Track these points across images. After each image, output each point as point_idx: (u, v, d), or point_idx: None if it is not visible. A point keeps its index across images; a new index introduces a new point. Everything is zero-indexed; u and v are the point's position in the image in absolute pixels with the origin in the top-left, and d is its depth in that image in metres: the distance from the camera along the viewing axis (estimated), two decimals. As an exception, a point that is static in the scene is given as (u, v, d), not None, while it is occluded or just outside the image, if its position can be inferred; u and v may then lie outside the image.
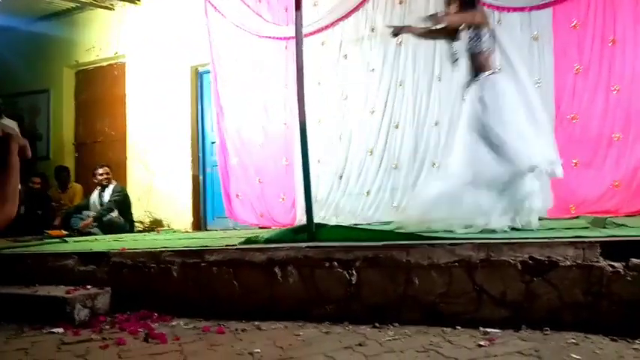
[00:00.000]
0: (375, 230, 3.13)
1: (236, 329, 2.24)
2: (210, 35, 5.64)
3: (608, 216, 3.65)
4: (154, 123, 6.35)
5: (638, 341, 1.81)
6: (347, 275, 2.40)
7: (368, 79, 5.00)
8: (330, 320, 2.28)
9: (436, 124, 4.70)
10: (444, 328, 2.07)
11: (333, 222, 4.72)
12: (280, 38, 5.28)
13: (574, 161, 4.12)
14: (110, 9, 6.84)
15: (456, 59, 3.16)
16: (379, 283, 2.35)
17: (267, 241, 2.74)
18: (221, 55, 5.63)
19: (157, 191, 6.33)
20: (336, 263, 2.42)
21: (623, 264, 2.00)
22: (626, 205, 3.93)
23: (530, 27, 4.37)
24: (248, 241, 2.84)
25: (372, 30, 5.00)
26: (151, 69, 6.44)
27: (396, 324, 2.17)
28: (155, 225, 6.30)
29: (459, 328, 2.07)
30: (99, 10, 6.86)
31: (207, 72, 5.98)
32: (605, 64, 4.11)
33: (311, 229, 2.76)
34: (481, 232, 2.78)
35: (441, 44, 4.64)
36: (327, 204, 4.96)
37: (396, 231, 2.89)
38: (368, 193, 4.88)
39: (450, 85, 4.62)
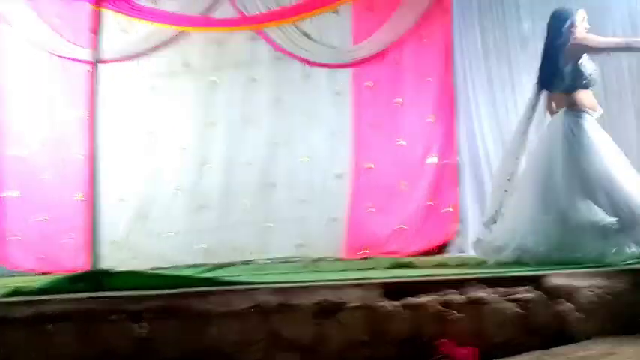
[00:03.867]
0: (173, 276, 2.92)
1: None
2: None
3: (394, 257, 4.07)
4: None
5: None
6: (137, 328, 2.17)
7: (179, 114, 4.83)
8: (116, 381, 2.01)
9: (248, 165, 4.74)
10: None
11: (132, 265, 4.31)
12: (82, 61, 4.79)
13: (367, 206, 4.53)
14: None
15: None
16: (174, 335, 2.17)
17: (41, 291, 2.33)
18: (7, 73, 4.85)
19: None
20: (124, 315, 2.16)
21: (400, 303, 2.19)
22: (409, 246, 4.42)
23: (334, 83, 4.77)
24: (16, 292, 2.38)
25: (186, 65, 4.90)
26: None
27: (191, 378, 2.02)
28: None
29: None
30: None
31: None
32: (394, 121, 4.68)
33: (97, 276, 2.45)
34: None
35: (256, 87, 4.79)
36: (126, 245, 4.53)
37: (197, 276, 2.74)
38: (174, 233, 4.63)
39: (261, 127, 4.75)
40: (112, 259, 4.28)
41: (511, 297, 2.25)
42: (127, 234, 4.60)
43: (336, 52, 4.78)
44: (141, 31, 4.85)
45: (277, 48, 4.79)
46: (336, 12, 4.81)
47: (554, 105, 3.13)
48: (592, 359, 1.92)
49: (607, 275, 2.38)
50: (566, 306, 2.24)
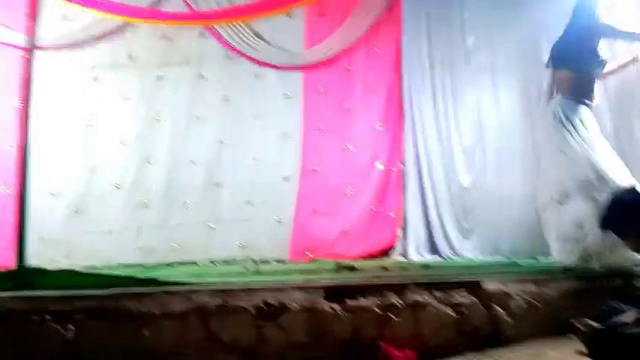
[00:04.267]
0: (107, 275, 2.81)
1: None
2: None
3: (338, 260, 4.09)
4: None
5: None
6: (63, 331, 2.05)
7: (121, 108, 4.64)
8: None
9: (193, 163, 4.62)
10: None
11: (64, 264, 4.09)
12: (17, 47, 4.50)
13: (314, 209, 4.53)
14: None
15: None
16: (104, 338, 2.07)
17: (-43, 290, 2.16)
18: None
19: None
20: (49, 317, 2.04)
21: (341, 306, 2.21)
22: (353, 250, 4.46)
23: (285, 85, 4.74)
24: None
25: (130, 58, 4.71)
26: None
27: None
28: None
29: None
30: None
31: None
32: (343, 126, 4.72)
33: (24, 275, 2.30)
34: None
35: (204, 85, 4.68)
36: (58, 243, 4.29)
37: (132, 276, 2.63)
38: (110, 231, 4.43)
39: (208, 126, 4.65)
40: (42, 257, 4.05)
41: (448, 301, 2.32)
42: (59, 231, 4.35)
43: (288, 55, 4.77)
44: (84, 19, 4.62)
45: (228, 46, 4.71)
46: (289, 15, 4.79)
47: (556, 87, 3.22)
48: (521, 361, 2.00)
49: (537, 282, 2.50)
50: (499, 311, 2.33)
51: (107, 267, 4.05)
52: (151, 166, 4.60)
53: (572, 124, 3.05)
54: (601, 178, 2.92)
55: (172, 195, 4.55)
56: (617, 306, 1.85)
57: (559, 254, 3.05)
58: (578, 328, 1.78)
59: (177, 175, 4.58)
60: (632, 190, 1.74)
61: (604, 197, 2.74)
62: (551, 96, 3.27)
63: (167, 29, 4.73)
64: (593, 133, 3.08)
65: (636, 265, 2.70)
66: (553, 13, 4.17)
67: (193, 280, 2.54)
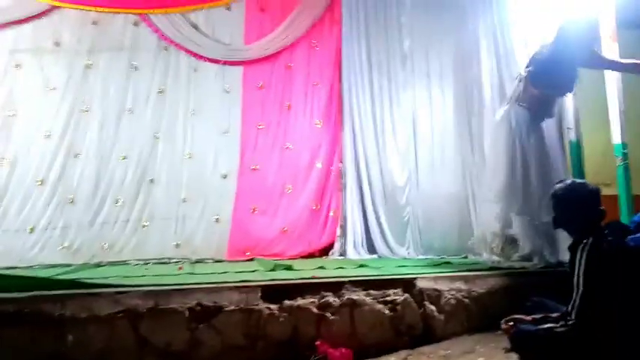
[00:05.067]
0: (26, 277, 2.61)
1: None
2: None
3: (277, 259, 4.06)
4: None
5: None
6: (-26, 337, 1.88)
7: (46, 98, 4.34)
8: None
9: (124, 158, 4.40)
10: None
11: (-22, 265, 3.78)
12: None
13: (252, 207, 4.47)
14: None
15: None
16: (23, 345, 1.93)
17: None
18: None
19: None
20: (-42, 323, 1.87)
21: (278, 306, 2.18)
22: (291, 249, 4.44)
23: (223, 80, 4.64)
24: None
25: (57, 44, 4.42)
26: None
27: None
28: None
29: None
30: None
31: None
32: (282, 124, 4.68)
33: None
34: None
35: (137, 76, 4.48)
36: (-27, 242, 3.96)
37: (55, 278, 2.46)
38: (32, 229, 4.13)
39: (141, 119, 4.45)
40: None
41: (383, 299, 2.36)
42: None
43: (227, 50, 4.66)
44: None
45: (163, 37, 4.54)
46: (228, 8, 4.69)
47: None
48: (453, 358, 2.07)
49: (466, 280, 2.60)
50: (431, 308, 2.40)
51: (29, 268, 3.78)
52: (79, 160, 4.34)
53: (523, 134, 3.26)
54: (536, 184, 3.13)
55: (101, 191, 4.32)
56: (541, 302, 1.95)
57: (483, 250, 3.23)
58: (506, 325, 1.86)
59: (107, 170, 4.36)
60: (567, 186, 1.85)
61: (537, 203, 2.98)
62: (515, 101, 3.38)
63: (97, 15, 4.48)
64: (539, 145, 3.29)
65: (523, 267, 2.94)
66: (488, 23, 4.39)
67: (124, 281, 2.41)
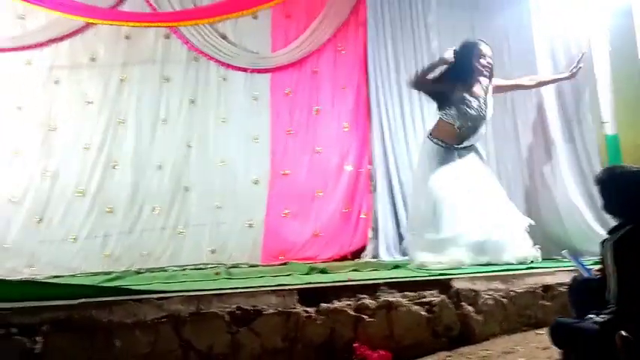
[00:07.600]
0: (72, 285, 2.72)
1: None
2: None
3: (310, 262, 4.10)
4: None
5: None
6: (29, 343, 1.98)
7: (84, 112, 4.50)
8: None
9: (159, 167, 4.53)
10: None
11: (26, 274, 3.96)
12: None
13: (284, 212, 4.52)
14: None
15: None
16: (72, 350, 2.01)
17: None
18: None
19: None
20: (14, 329, 1.97)
21: (315, 309, 2.21)
22: (324, 252, 4.47)
23: (252, 88, 4.72)
24: None
25: (93, 59, 4.59)
26: None
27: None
28: None
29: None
30: None
31: None
32: (311, 128, 4.73)
33: (-17, 287, 2.21)
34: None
35: (169, 87, 4.61)
36: (19, 252, 4.13)
37: (101, 285, 2.56)
38: (75, 239, 4.29)
39: (175, 129, 4.57)
40: (3, 268, 3.92)
41: (419, 301, 2.36)
42: (21, 239, 4.19)
43: (255, 57, 4.74)
44: (42, 18, 4.46)
45: (193, 48, 4.65)
46: (255, 17, 4.76)
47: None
48: (493, 359, 2.06)
49: (503, 279, 2.57)
50: (469, 309, 2.39)
51: (72, 276, 3.93)
52: (116, 170, 4.48)
53: (437, 168, 3.46)
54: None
55: (139, 200, 4.45)
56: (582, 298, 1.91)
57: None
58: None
59: (143, 179, 4.49)
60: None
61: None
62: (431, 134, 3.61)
63: (130, 30, 4.62)
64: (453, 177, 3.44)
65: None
66: (514, 18, 4.33)
67: (165, 287, 2.49)
